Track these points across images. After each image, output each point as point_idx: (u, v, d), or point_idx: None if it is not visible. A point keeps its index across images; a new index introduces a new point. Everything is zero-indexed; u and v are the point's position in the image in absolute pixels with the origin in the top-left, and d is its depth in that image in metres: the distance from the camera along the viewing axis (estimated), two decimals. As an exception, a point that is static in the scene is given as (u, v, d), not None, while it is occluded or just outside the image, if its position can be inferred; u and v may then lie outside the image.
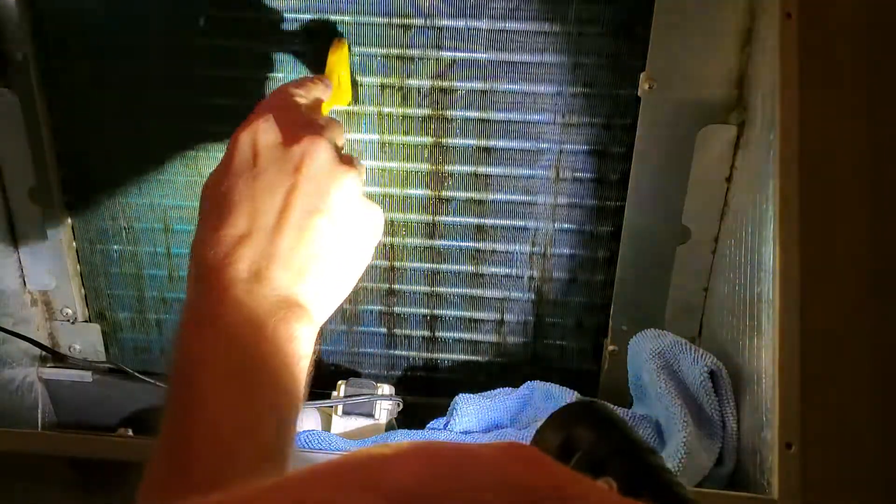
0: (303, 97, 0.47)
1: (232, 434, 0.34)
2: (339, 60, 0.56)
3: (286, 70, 0.60)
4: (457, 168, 0.62)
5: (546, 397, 0.60)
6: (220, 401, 0.34)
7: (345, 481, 0.20)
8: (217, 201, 0.40)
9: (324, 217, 0.40)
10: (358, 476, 0.20)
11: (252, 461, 0.33)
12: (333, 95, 0.54)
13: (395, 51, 0.59)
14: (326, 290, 0.40)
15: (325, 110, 0.52)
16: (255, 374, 0.35)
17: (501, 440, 0.32)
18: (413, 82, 0.60)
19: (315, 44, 0.59)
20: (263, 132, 0.41)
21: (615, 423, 0.31)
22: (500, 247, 0.64)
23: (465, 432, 0.59)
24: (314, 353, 0.39)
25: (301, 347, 0.38)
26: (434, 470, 0.20)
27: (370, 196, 0.63)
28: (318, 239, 0.40)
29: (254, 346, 0.36)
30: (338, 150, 0.43)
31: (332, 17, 0.58)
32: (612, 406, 0.33)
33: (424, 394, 0.68)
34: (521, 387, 0.62)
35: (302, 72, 0.60)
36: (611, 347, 0.65)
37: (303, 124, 0.43)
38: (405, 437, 0.58)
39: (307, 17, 0.58)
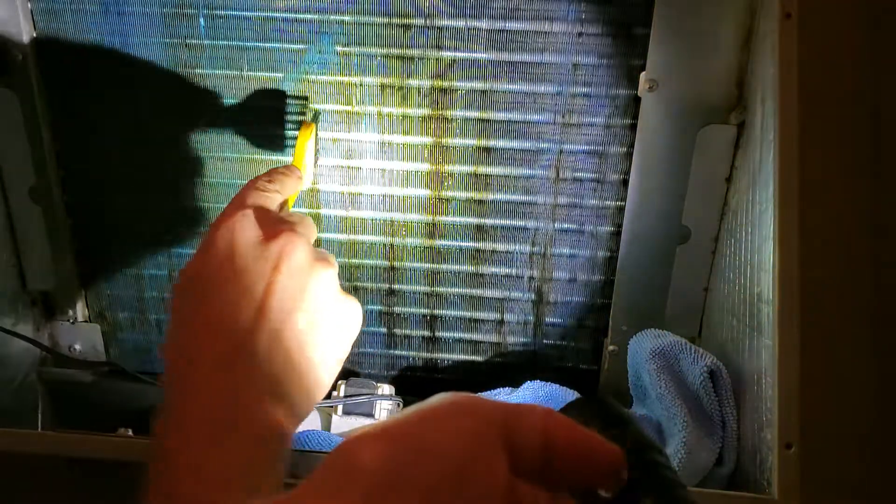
0: (276, 191, 0.46)
1: None
2: (303, 144, 0.55)
3: (286, 69, 0.60)
4: (457, 168, 0.62)
5: (546, 397, 0.60)
6: (195, 496, 0.34)
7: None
8: (192, 298, 0.39)
9: (302, 316, 0.39)
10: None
11: None
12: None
13: (395, 51, 0.59)
14: (304, 389, 0.39)
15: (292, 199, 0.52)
16: (231, 473, 0.35)
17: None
18: (413, 82, 0.60)
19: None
20: (240, 230, 0.40)
21: (623, 421, 0.31)
22: (500, 247, 0.64)
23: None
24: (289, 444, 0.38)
25: (276, 448, 0.37)
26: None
27: (370, 197, 0.63)
28: (295, 339, 0.39)
29: (227, 447, 0.35)
30: (312, 247, 0.42)
31: (333, 17, 0.58)
32: (618, 403, 0.33)
33: (424, 394, 0.67)
34: (521, 387, 0.62)
35: (299, 73, 0.60)
36: (611, 347, 0.65)
37: (278, 221, 0.42)
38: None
39: (308, 17, 0.58)
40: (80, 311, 0.69)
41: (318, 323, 0.40)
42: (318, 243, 0.65)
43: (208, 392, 0.36)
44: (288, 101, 0.61)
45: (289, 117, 0.61)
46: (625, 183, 0.60)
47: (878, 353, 0.52)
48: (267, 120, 0.61)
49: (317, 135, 0.60)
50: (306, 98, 0.60)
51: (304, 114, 0.61)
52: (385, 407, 0.62)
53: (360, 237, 0.64)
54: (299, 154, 0.55)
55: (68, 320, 0.69)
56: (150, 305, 0.69)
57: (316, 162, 0.61)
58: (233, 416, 0.36)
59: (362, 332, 0.67)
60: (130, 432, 0.52)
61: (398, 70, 0.59)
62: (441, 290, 0.66)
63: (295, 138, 0.57)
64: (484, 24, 0.58)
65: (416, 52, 0.59)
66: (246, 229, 0.40)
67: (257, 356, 0.37)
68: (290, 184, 0.49)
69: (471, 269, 0.65)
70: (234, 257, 0.39)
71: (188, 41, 0.60)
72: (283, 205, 0.48)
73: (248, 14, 0.59)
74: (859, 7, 0.53)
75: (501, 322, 0.67)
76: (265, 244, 0.40)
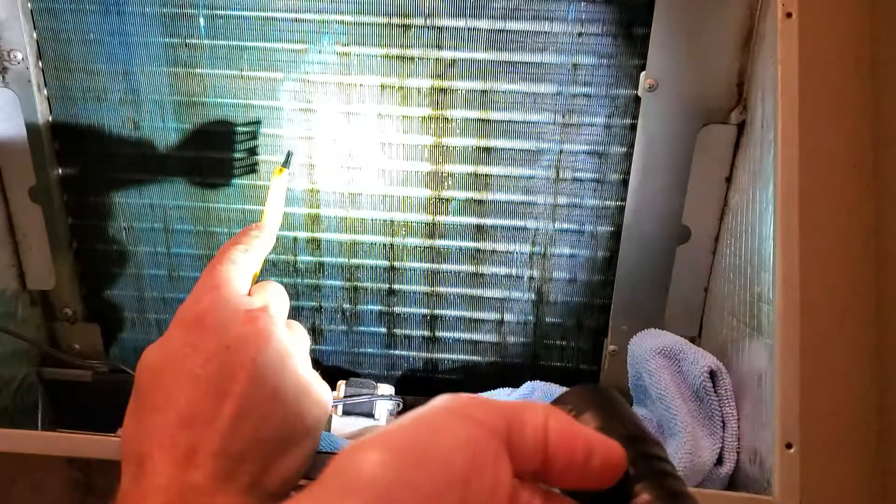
0: (249, 261, 0.44)
1: None
2: (275, 193, 0.53)
3: (286, 69, 0.60)
4: (457, 168, 0.62)
5: (546, 397, 0.60)
6: None
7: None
8: (151, 387, 0.37)
9: (271, 404, 0.38)
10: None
11: None
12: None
13: (395, 51, 0.59)
14: (277, 475, 0.38)
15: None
16: None
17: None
18: (413, 82, 0.60)
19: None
20: (211, 314, 0.38)
21: (621, 411, 0.31)
22: (500, 247, 0.64)
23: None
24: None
25: None
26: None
27: (370, 197, 0.63)
28: (265, 426, 0.37)
29: None
30: (284, 331, 0.41)
31: (333, 17, 0.58)
32: (621, 397, 0.33)
33: (424, 394, 0.67)
34: (521, 387, 0.62)
35: (299, 73, 0.60)
36: (611, 347, 0.65)
37: (251, 307, 0.40)
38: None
39: (308, 17, 0.58)
40: (80, 311, 0.69)
41: (289, 406, 0.39)
42: (316, 244, 0.65)
43: (167, 490, 0.34)
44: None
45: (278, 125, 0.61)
46: (625, 183, 0.60)
47: (878, 354, 0.52)
48: (268, 120, 0.61)
49: (290, 174, 0.57)
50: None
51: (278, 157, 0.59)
52: (385, 407, 0.62)
53: (360, 237, 0.64)
54: (273, 203, 0.52)
55: (68, 320, 0.69)
56: (150, 305, 0.69)
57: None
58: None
59: (362, 332, 0.68)
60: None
61: (398, 70, 0.59)
62: (441, 290, 0.66)
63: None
64: (484, 24, 0.58)
65: (416, 52, 0.59)
66: (215, 315, 0.39)
67: (218, 448, 0.35)
68: (264, 245, 0.47)
69: (471, 269, 0.65)
70: (197, 348, 0.37)
71: (188, 41, 0.60)
72: (256, 273, 0.46)
73: (248, 14, 0.59)
74: (859, 7, 0.53)
75: (501, 322, 0.67)
76: (237, 338, 0.38)
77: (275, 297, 0.43)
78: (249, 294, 0.43)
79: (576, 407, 0.31)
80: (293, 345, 0.41)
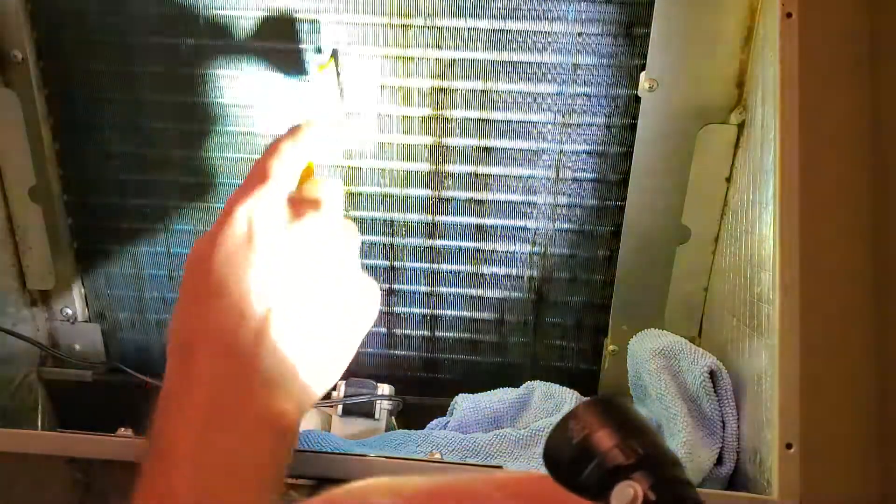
0: (298, 157, 0.43)
1: None
2: (327, 77, 0.54)
3: (286, 69, 0.60)
4: (457, 168, 0.62)
5: (546, 397, 0.60)
6: (193, 486, 0.33)
7: None
8: (207, 275, 0.37)
9: (320, 301, 0.38)
10: None
11: None
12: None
13: (395, 51, 0.59)
14: (318, 374, 0.39)
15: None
16: (231, 460, 0.34)
17: (513, 472, 0.31)
18: (413, 82, 0.60)
19: (315, 48, 0.59)
20: (259, 208, 0.38)
21: (638, 428, 0.30)
22: (500, 247, 0.64)
23: (465, 432, 0.59)
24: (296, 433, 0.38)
25: (285, 433, 0.36)
26: None
27: (370, 197, 0.63)
28: (312, 324, 0.38)
29: (233, 432, 0.34)
30: (337, 216, 0.41)
31: (333, 17, 0.58)
32: (636, 408, 0.32)
33: (424, 394, 0.68)
34: (521, 387, 0.62)
35: (299, 73, 0.60)
36: (611, 347, 0.65)
37: (299, 201, 0.41)
38: (405, 438, 0.58)
39: (308, 17, 0.58)
40: (80, 311, 0.69)
41: (337, 305, 0.39)
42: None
43: (213, 378, 0.35)
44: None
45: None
46: (625, 183, 0.60)
47: (878, 353, 0.52)
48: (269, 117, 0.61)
49: (338, 72, 0.57)
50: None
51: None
52: (385, 407, 0.62)
53: (359, 237, 0.64)
54: (323, 97, 0.53)
55: (68, 320, 0.69)
56: (150, 305, 0.69)
57: (342, 97, 0.58)
58: (238, 402, 0.35)
59: (362, 332, 0.68)
60: (130, 432, 0.52)
61: (398, 70, 0.59)
62: (441, 290, 0.66)
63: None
64: (484, 24, 0.58)
65: (416, 52, 0.59)
66: (264, 210, 0.39)
67: (267, 344, 0.36)
68: (316, 141, 0.45)
69: (471, 269, 0.65)
70: (251, 241, 0.38)
71: (188, 41, 0.60)
72: (308, 170, 0.46)
73: (248, 14, 0.59)
74: (859, 7, 0.53)
75: (501, 322, 0.67)
76: (284, 227, 0.39)
77: (325, 193, 0.42)
78: (299, 188, 0.43)
79: (589, 425, 0.30)
80: (335, 241, 0.40)
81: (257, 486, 0.35)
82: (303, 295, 0.38)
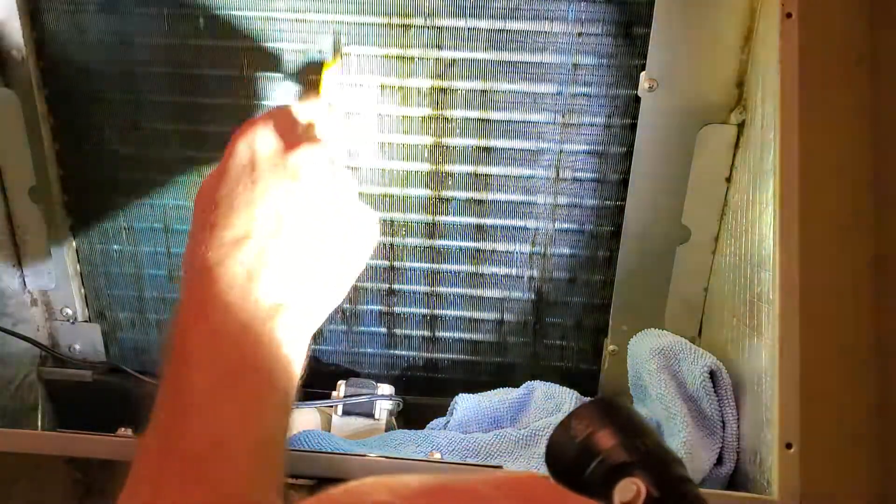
0: (298, 111, 0.47)
1: (225, 434, 0.34)
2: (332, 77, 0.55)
3: (286, 69, 0.60)
4: (457, 168, 0.62)
5: (546, 397, 0.60)
6: (212, 402, 0.34)
7: None
8: (213, 205, 0.40)
9: (320, 224, 0.40)
10: None
11: (247, 457, 0.34)
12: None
13: (395, 51, 0.59)
14: (321, 295, 0.40)
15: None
16: (247, 376, 0.35)
17: (513, 471, 0.31)
18: (413, 82, 0.60)
19: (315, 67, 0.59)
20: (261, 139, 0.41)
21: (639, 428, 0.30)
22: (500, 247, 0.64)
23: (465, 432, 0.59)
24: (308, 354, 0.39)
25: (295, 350, 0.38)
26: None
27: (370, 197, 0.63)
28: (314, 245, 0.40)
29: (247, 348, 0.36)
30: (333, 159, 0.43)
31: (333, 18, 0.58)
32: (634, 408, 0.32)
33: (424, 394, 0.68)
34: (521, 387, 0.62)
35: (299, 73, 0.60)
36: (611, 347, 0.65)
37: (300, 132, 0.44)
38: (405, 438, 0.58)
39: (308, 17, 0.58)
40: (80, 311, 0.69)
41: (336, 231, 0.41)
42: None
43: (224, 296, 0.36)
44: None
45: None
46: (625, 183, 0.60)
47: (879, 353, 0.52)
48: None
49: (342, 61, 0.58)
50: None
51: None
52: (385, 407, 0.62)
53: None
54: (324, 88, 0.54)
55: (68, 320, 0.69)
56: (150, 305, 0.69)
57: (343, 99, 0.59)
58: (247, 314, 0.36)
59: (362, 333, 0.68)
60: (130, 432, 0.52)
61: (398, 70, 0.59)
62: (441, 290, 0.66)
63: None
64: (484, 24, 0.58)
65: (416, 52, 0.59)
66: (266, 138, 0.41)
67: (273, 263, 0.38)
68: (315, 108, 0.48)
69: (471, 269, 0.65)
70: (255, 165, 0.40)
71: (188, 41, 0.60)
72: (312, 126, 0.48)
73: (248, 14, 0.59)
74: (859, 7, 0.53)
75: (501, 322, 0.67)
76: (285, 154, 0.41)
77: (324, 129, 0.45)
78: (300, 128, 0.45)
79: (592, 423, 0.30)
80: (334, 170, 0.42)
81: (269, 384, 0.36)
82: (305, 217, 0.40)
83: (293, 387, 0.38)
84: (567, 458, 0.30)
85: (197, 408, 0.34)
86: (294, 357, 0.38)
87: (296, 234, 0.39)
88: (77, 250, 0.67)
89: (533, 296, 0.65)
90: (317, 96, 0.54)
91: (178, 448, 0.33)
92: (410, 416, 0.66)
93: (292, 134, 0.43)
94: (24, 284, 0.67)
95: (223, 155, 0.41)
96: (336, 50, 0.57)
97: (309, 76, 0.60)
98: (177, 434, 0.34)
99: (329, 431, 0.61)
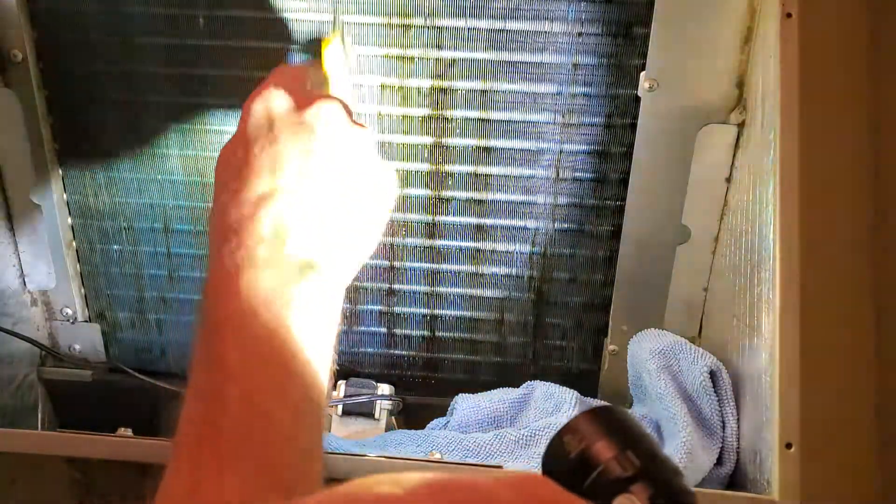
0: (305, 71, 0.47)
1: (261, 394, 0.33)
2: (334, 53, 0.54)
3: (286, 70, 0.60)
4: (457, 168, 0.62)
5: (546, 397, 0.60)
6: (246, 358, 0.34)
7: None
8: (235, 167, 0.39)
9: (342, 178, 0.40)
10: None
11: (284, 419, 0.33)
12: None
13: (395, 51, 0.59)
14: (348, 250, 0.40)
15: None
16: (280, 335, 0.35)
17: (516, 471, 0.31)
18: (413, 82, 0.60)
19: (314, 44, 0.59)
20: (276, 99, 0.41)
21: (635, 438, 0.30)
22: (500, 247, 0.64)
23: (465, 432, 0.59)
24: (343, 312, 0.39)
25: (326, 306, 0.37)
26: None
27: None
28: (338, 199, 0.40)
29: (279, 307, 0.35)
30: (348, 111, 0.44)
31: (333, 17, 0.58)
32: (634, 415, 0.32)
33: (424, 394, 0.68)
34: (521, 387, 0.62)
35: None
36: (611, 347, 0.65)
37: (310, 91, 0.44)
38: (405, 438, 0.58)
39: (308, 17, 0.58)
40: (80, 311, 0.69)
41: (358, 185, 0.41)
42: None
43: (254, 259, 0.36)
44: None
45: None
46: (625, 183, 0.60)
47: (879, 353, 0.52)
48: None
49: (344, 46, 0.57)
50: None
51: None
52: (385, 407, 0.62)
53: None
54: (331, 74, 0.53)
55: (68, 320, 0.69)
56: (150, 305, 0.69)
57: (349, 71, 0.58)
58: (275, 278, 0.36)
59: (362, 333, 0.68)
60: (130, 432, 0.52)
61: (398, 70, 0.59)
62: (441, 290, 0.66)
63: None
64: (484, 24, 0.58)
65: (416, 52, 0.59)
66: (280, 98, 0.41)
67: (299, 219, 0.38)
68: (320, 70, 0.49)
69: (471, 269, 0.65)
70: (272, 124, 0.40)
71: (188, 41, 0.60)
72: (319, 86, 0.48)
73: (248, 14, 0.59)
74: (859, 7, 0.53)
75: (501, 322, 0.67)
76: (301, 111, 0.41)
77: (337, 93, 0.45)
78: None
79: (586, 438, 0.30)
80: (357, 125, 0.42)
81: (303, 346, 0.36)
82: (327, 172, 0.40)
83: (328, 347, 0.37)
84: (563, 472, 0.30)
85: (230, 372, 0.33)
86: (327, 317, 0.37)
87: (319, 190, 0.39)
88: (77, 250, 0.67)
89: (533, 296, 0.65)
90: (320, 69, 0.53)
91: (215, 414, 0.33)
92: (410, 416, 0.66)
93: (304, 91, 0.43)
94: (24, 284, 0.67)
95: (239, 122, 0.41)
96: (336, 27, 0.56)
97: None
98: (212, 400, 0.33)
99: (329, 431, 0.61)
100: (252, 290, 0.35)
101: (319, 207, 0.39)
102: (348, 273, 0.40)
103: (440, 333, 0.67)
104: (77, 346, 0.70)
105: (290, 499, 0.31)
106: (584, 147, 0.60)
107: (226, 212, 0.38)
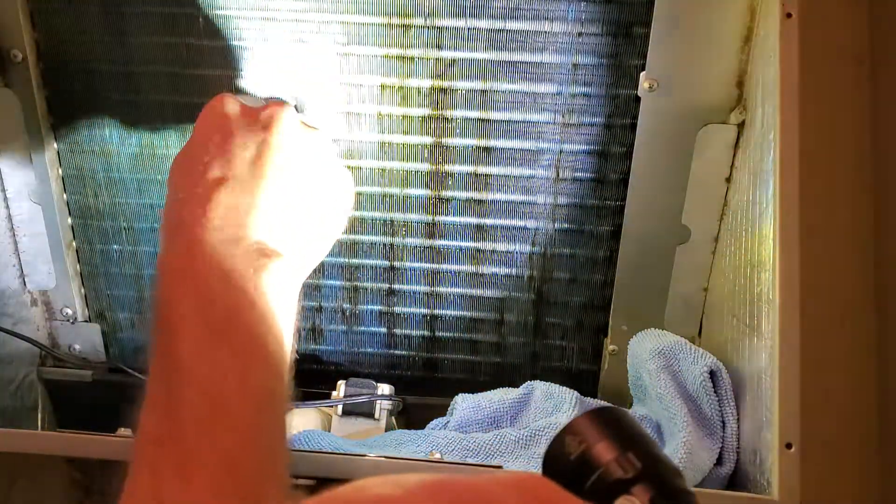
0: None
1: (219, 385, 0.33)
2: None
3: (287, 69, 0.60)
4: (457, 168, 0.62)
5: (546, 397, 0.60)
6: (203, 353, 0.34)
7: None
8: (189, 162, 0.40)
9: (295, 172, 0.41)
10: None
11: (244, 410, 0.33)
12: None
13: (395, 51, 0.59)
14: (302, 243, 0.41)
15: None
16: (236, 324, 0.35)
17: (516, 471, 0.31)
18: (413, 82, 0.60)
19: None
20: (229, 103, 0.42)
21: (636, 440, 0.30)
22: (500, 247, 0.64)
23: (465, 432, 0.59)
24: (299, 308, 0.39)
25: (282, 295, 0.37)
26: None
27: (370, 197, 0.63)
28: (291, 192, 0.40)
29: (234, 296, 0.35)
30: (305, 121, 0.44)
31: (333, 17, 0.58)
32: (634, 416, 0.31)
33: (424, 394, 0.68)
34: (521, 387, 0.62)
35: (299, 73, 0.60)
36: (611, 347, 0.65)
37: (261, 103, 0.44)
38: (405, 438, 0.58)
39: (308, 17, 0.58)
40: (80, 311, 0.69)
41: (312, 181, 0.41)
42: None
43: (210, 245, 0.36)
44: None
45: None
46: (625, 183, 0.60)
47: (879, 353, 0.52)
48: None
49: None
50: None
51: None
52: (385, 407, 0.62)
53: (360, 237, 0.64)
54: None
55: (68, 320, 0.69)
56: (150, 305, 0.68)
57: None
58: (235, 268, 0.36)
59: (362, 333, 0.68)
60: (130, 432, 0.52)
61: (398, 70, 0.59)
62: (441, 290, 0.66)
63: None
64: (484, 24, 0.58)
65: (416, 52, 0.59)
66: (233, 102, 0.42)
67: (255, 207, 0.38)
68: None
69: (471, 269, 0.65)
70: (226, 122, 0.41)
71: (188, 41, 0.60)
72: None
73: (248, 14, 0.59)
74: (859, 7, 0.53)
75: (501, 322, 0.67)
76: (253, 113, 0.42)
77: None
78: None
79: (586, 439, 0.30)
80: (309, 132, 0.43)
81: (258, 337, 0.35)
82: (282, 163, 0.40)
83: (285, 335, 0.37)
84: (564, 473, 0.30)
85: (188, 364, 0.33)
86: (284, 308, 0.37)
87: (274, 179, 0.39)
88: (77, 250, 0.67)
89: (533, 296, 0.65)
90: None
91: (174, 409, 0.32)
92: (410, 416, 0.66)
93: (255, 100, 0.44)
94: (24, 284, 0.67)
95: (194, 128, 0.42)
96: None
97: (307, 76, 0.60)
98: (171, 395, 0.33)
99: (329, 431, 0.61)
100: (208, 282, 0.35)
101: (272, 198, 0.39)
102: (305, 267, 0.41)
103: (440, 333, 0.67)
104: (77, 346, 0.70)
105: (255, 501, 0.31)
106: (584, 147, 0.60)
107: (178, 201, 0.38)
